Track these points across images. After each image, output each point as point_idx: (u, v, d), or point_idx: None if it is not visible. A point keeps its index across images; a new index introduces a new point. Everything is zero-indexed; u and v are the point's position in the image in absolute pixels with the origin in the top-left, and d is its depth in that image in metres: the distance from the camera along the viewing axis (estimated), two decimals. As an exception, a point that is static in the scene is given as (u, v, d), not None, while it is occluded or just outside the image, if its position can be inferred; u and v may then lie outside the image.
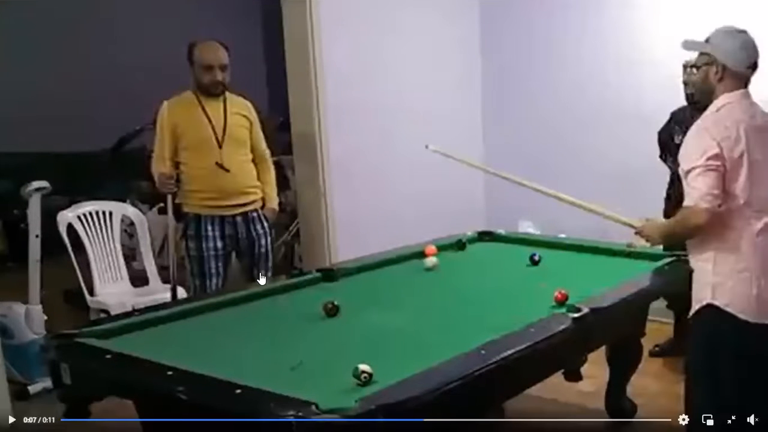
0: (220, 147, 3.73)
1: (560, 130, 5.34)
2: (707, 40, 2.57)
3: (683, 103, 4.17)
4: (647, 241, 2.75)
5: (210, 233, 3.77)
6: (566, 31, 5.29)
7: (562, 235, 3.85)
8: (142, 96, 7.22)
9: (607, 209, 3.00)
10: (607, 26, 5.13)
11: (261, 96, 8.30)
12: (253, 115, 3.96)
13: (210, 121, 3.74)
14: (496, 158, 5.63)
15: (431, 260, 3.36)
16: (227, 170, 3.74)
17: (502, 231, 3.97)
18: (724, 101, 2.48)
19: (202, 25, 8.64)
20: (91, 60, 7.87)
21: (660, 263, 3.18)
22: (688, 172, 2.39)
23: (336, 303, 2.62)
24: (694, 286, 2.52)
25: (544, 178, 4.88)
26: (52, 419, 3.34)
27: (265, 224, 3.93)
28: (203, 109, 3.75)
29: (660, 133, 4.27)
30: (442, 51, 5.30)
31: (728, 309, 2.41)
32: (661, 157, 4.28)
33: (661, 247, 3.47)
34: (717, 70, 2.50)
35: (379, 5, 4.89)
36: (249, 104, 3.97)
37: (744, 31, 2.55)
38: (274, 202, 4.01)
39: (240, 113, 3.88)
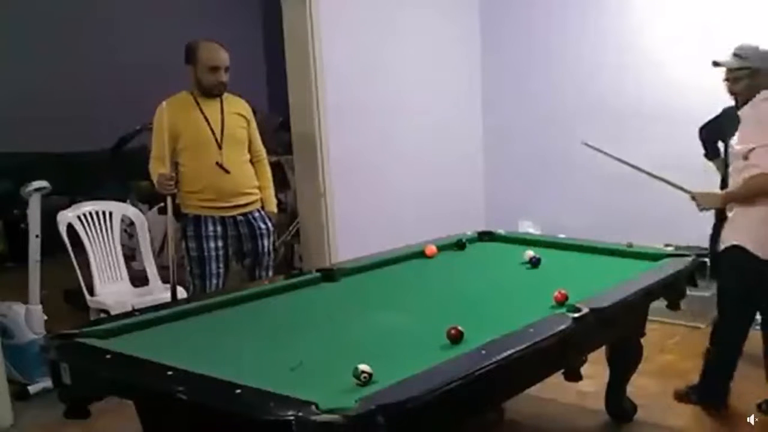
0: (220, 147, 3.73)
1: (560, 129, 5.34)
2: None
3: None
4: (700, 205, 3.36)
5: (210, 233, 3.77)
6: (566, 30, 5.30)
7: (562, 235, 3.84)
8: (142, 96, 7.21)
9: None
10: (607, 26, 5.13)
11: (261, 96, 8.32)
12: (250, 115, 3.95)
13: (208, 121, 3.73)
14: (497, 157, 5.65)
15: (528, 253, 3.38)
16: (227, 171, 3.74)
17: (502, 231, 3.96)
18: None
19: (202, 25, 8.62)
20: (91, 60, 7.88)
21: (660, 263, 3.18)
22: None
23: (460, 328, 2.28)
24: None
25: (545, 177, 4.92)
26: (52, 419, 3.35)
27: (268, 223, 3.93)
28: (201, 109, 3.74)
29: (708, 131, 4.21)
30: (442, 51, 5.30)
31: None
32: (707, 155, 4.22)
33: (662, 245, 3.49)
34: None
35: (379, 5, 4.89)
36: (246, 104, 3.96)
37: None
38: (272, 206, 4.01)
39: (238, 113, 3.86)
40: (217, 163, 3.72)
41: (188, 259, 3.79)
